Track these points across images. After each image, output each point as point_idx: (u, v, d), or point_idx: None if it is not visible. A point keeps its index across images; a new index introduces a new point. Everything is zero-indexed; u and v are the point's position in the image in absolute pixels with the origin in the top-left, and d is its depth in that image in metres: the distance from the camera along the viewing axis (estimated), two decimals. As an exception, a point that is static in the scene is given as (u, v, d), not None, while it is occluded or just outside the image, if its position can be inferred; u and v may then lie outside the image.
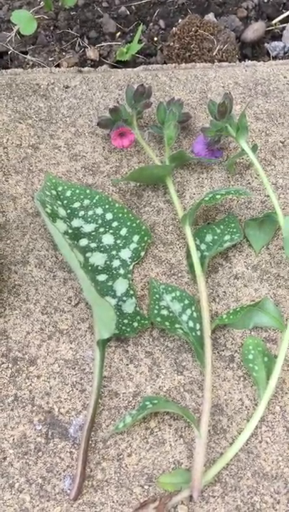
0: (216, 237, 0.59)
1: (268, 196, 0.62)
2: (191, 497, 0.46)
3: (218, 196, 0.56)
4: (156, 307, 0.55)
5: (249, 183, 0.64)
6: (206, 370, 0.50)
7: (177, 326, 0.53)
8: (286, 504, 0.47)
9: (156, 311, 0.54)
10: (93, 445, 0.49)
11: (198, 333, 0.53)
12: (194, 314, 0.54)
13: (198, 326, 0.53)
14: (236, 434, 0.50)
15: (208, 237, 0.59)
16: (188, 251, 0.58)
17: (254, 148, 0.60)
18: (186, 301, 0.55)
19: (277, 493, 0.47)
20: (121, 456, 0.48)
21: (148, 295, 0.56)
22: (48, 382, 0.52)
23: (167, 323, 0.53)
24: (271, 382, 0.50)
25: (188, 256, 0.58)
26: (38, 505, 0.46)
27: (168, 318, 0.54)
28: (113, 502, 0.46)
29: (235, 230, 0.59)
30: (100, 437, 0.49)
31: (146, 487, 0.47)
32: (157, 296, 0.55)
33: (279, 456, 0.49)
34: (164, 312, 0.54)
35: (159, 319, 0.54)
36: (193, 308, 0.54)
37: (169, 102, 0.65)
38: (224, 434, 0.50)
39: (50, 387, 0.51)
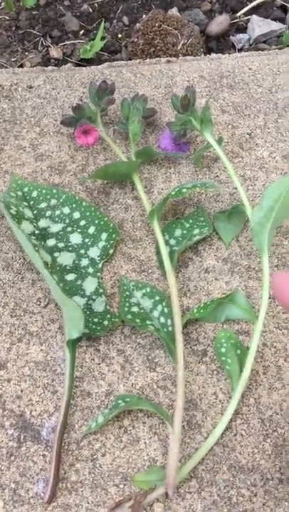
0: (185, 232, 0.58)
1: (236, 188, 0.62)
2: (166, 494, 0.46)
3: (184, 190, 0.56)
4: (127, 304, 0.54)
5: (217, 176, 0.64)
6: (178, 365, 0.50)
7: (148, 322, 0.53)
8: (263, 497, 0.46)
9: (126, 309, 0.54)
10: (66, 447, 0.48)
11: (170, 328, 0.52)
12: (165, 310, 0.54)
13: (169, 322, 0.53)
14: (211, 429, 0.49)
15: (178, 232, 0.58)
16: (157, 247, 0.57)
17: (220, 140, 0.60)
18: (157, 297, 0.54)
19: (254, 486, 0.47)
20: (95, 457, 0.48)
21: (118, 293, 0.55)
22: (19, 385, 0.51)
23: (138, 320, 0.53)
24: (244, 374, 0.49)
25: (158, 252, 0.57)
26: (12, 510, 0.45)
27: (139, 315, 0.53)
28: (88, 503, 0.46)
29: (204, 224, 0.59)
30: (73, 438, 0.48)
31: (121, 486, 0.47)
32: (128, 293, 0.55)
33: (254, 448, 0.48)
34: (135, 309, 0.54)
35: (129, 316, 0.53)
36: (164, 304, 0.54)
37: (133, 98, 0.64)
38: (199, 429, 0.49)
39: (21, 391, 0.51)
